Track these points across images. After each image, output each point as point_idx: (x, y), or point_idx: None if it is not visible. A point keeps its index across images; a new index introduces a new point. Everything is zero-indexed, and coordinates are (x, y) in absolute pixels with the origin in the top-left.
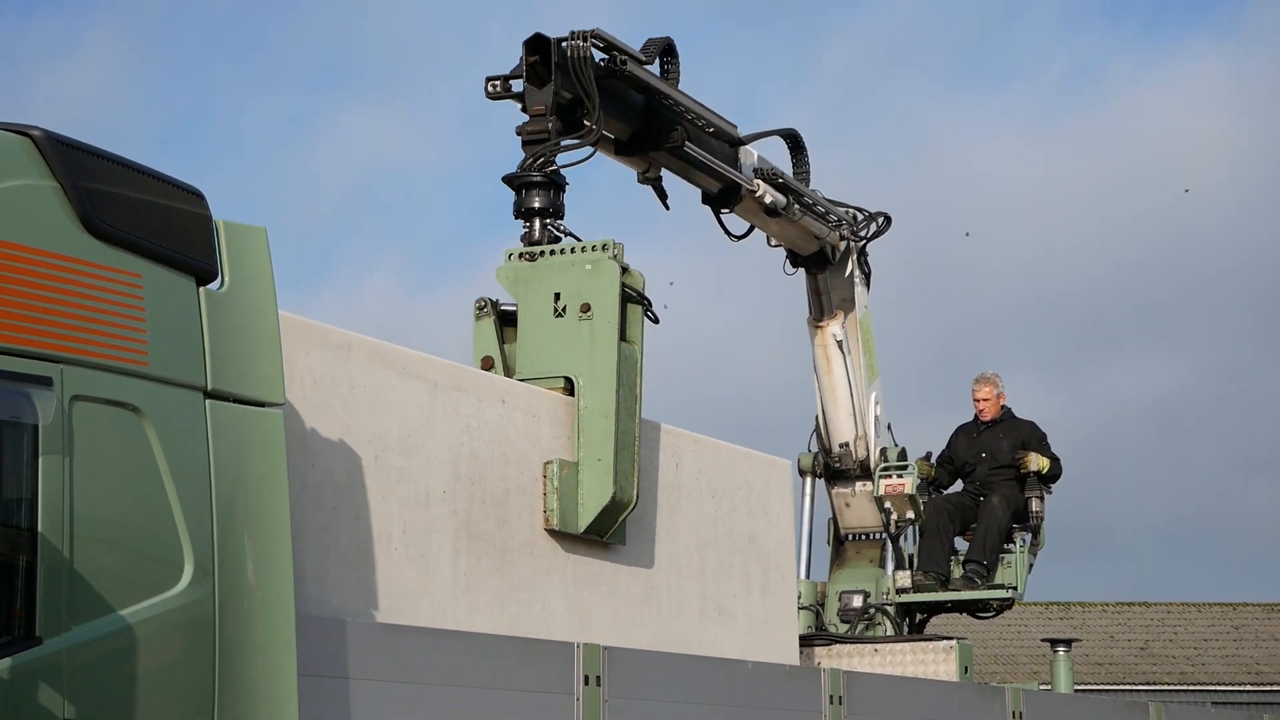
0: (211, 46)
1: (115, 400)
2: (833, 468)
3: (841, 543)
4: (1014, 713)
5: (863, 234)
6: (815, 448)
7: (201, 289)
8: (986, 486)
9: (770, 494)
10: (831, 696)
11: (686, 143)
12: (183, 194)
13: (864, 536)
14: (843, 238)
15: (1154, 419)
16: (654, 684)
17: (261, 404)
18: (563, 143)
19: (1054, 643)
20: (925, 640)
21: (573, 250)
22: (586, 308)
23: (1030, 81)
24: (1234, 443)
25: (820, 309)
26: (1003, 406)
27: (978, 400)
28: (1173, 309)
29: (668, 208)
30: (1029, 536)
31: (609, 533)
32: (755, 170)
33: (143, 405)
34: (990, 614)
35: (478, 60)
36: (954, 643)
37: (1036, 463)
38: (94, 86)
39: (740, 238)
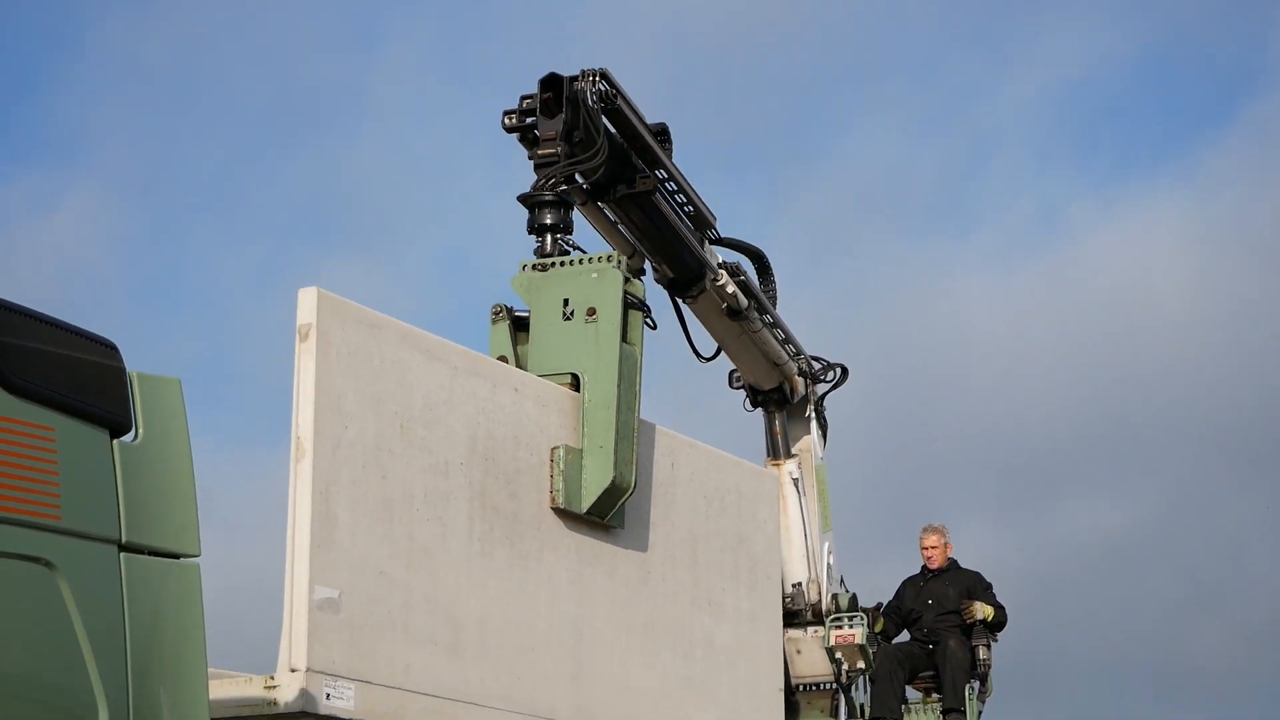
0: (193, 202)
1: (28, 555)
2: (785, 609)
3: (792, 693)
4: None
5: (823, 378)
6: None
7: (115, 441)
8: (934, 634)
9: (759, 502)
10: None
11: (656, 195)
12: (96, 346)
13: (814, 686)
14: (801, 373)
15: (1103, 558)
16: None
17: (177, 555)
18: (570, 161)
19: None
20: None
21: (580, 261)
22: (592, 311)
23: (997, 224)
24: (1180, 580)
25: (777, 449)
26: (949, 557)
27: (925, 549)
28: (1124, 449)
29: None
30: (978, 684)
31: (609, 514)
32: (721, 264)
33: (56, 559)
34: None
35: (453, 216)
36: None
37: (982, 611)
38: (75, 242)
39: (709, 359)
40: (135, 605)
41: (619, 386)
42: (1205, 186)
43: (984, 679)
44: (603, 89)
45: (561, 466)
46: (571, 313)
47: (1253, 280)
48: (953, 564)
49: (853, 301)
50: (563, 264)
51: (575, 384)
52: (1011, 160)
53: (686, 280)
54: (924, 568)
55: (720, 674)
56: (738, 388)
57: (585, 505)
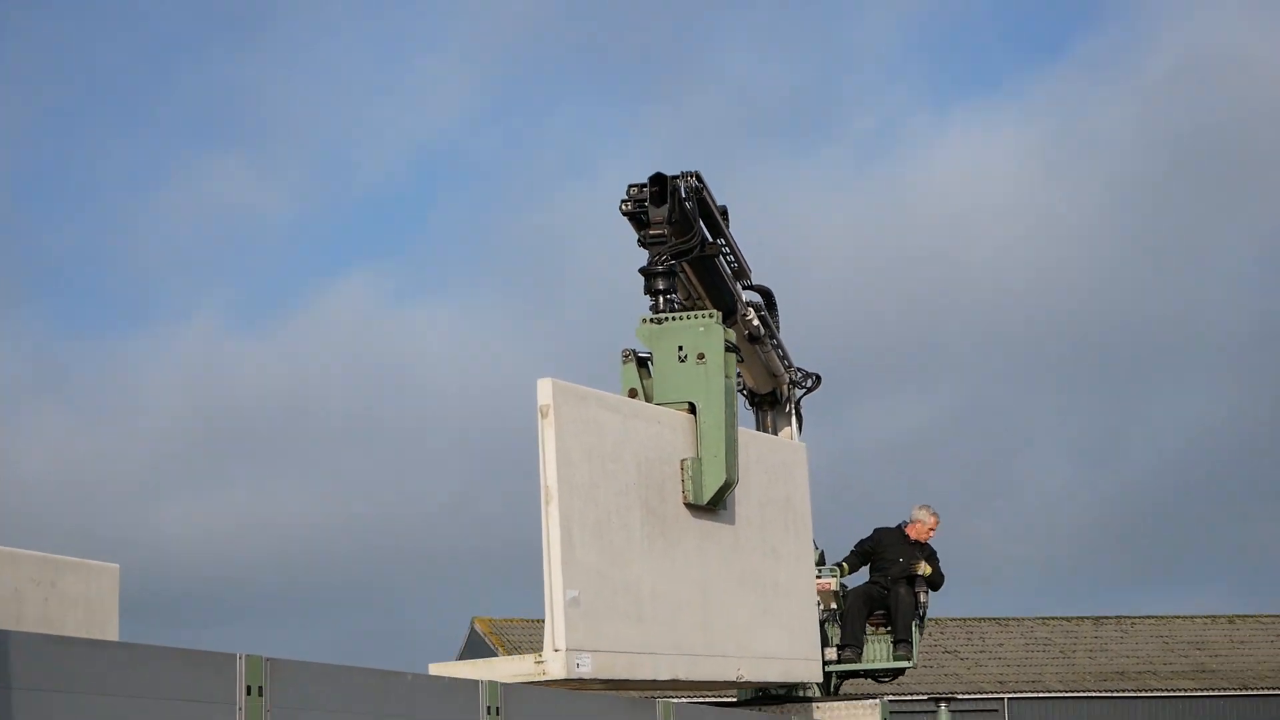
0: (83, 99)
1: None
2: None
3: None
4: None
5: (803, 386)
6: None
7: None
8: (893, 581)
9: (795, 468)
10: (489, 708)
11: (717, 256)
12: None
13: None
14: (791, 382)
15: (892, 457)
16: (316, 694)
17: None
18: (676, 243)
19: (938, 699)
20: (853, 700)
21: (689, 317)
22: (702, 356)
23: (844, 140)
24: (961, 478)
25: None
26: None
27: (929, 527)
28: (929, 356)
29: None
30: (918, 620)
31: (719, 502)
32: (747, 303)
33: None
34: (889, 679)
35: (328, 119)
36: (877, 701)
37: (924, 568)
38: None
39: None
40: None
41: (725, 411)
42: (1035, 111)
43: (922, 618)
44: (694, 184)
45: (690, 473)
46: (685, 356)
47: (1072, 201)
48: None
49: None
50: (675, 318)
51: (691, 409)
52: (862, 81)
53: (723, 313)
54: (904, 530)
55: (782, 604)
56: (739, 392)
57: (706, 498)
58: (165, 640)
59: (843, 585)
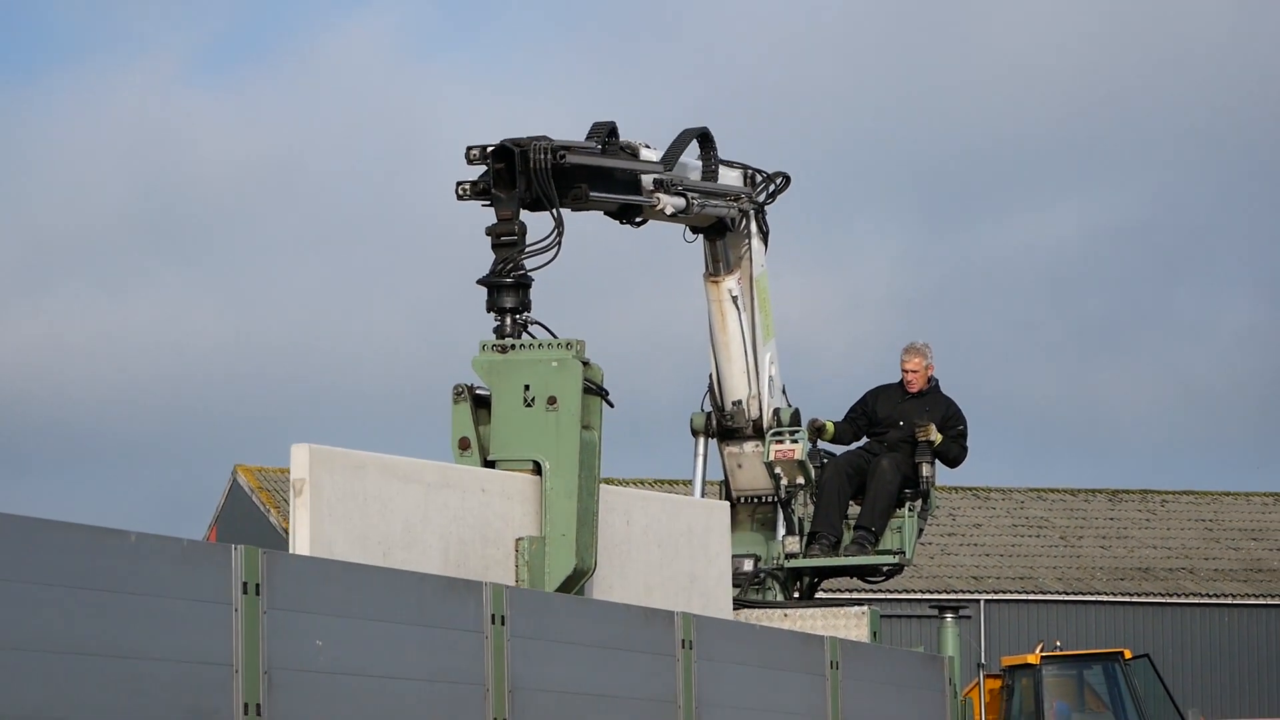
0: None
1: None
2: (725, 426)
3: (733, 505)
4: None
5: (760, 197)
6: (708, 407)
7: None
8: (887, 449)
9: (710, 535)
10: (493, 616)
11: (591, 195)
12: None
13: (755, 499)
14: (741, 211)
15: (1025, 281)
16: (317, 593)
17: None
18: (528, 247)
19: (942, 609)
20: (837, 605)
21: (541, 346)
22: (553, 400)
23: None
24: (1102, 312)
25: (717, 266)
26: (930, 378)
27: (907, 371)
28: (1100, 146)
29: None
30: (920, 502)
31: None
32: (655, 182)
33: None
34: (879, 579)
35: None
36: (865, 608)
37: (931, 434)
38: None
39: (641, 223)
40: None
41: (580, 475)
42: None
43: (926, 496)
44: (550, 154)
45: (526, 557)
46: (533, 399)
47: None
48: (933, 386)
49: None
50: (523, 347)
51: (537, 469)
52: None
53: (624, 211)
54: (902, 384)
55: None
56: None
57: (549, 590)
58: None
59: (824, 454)
